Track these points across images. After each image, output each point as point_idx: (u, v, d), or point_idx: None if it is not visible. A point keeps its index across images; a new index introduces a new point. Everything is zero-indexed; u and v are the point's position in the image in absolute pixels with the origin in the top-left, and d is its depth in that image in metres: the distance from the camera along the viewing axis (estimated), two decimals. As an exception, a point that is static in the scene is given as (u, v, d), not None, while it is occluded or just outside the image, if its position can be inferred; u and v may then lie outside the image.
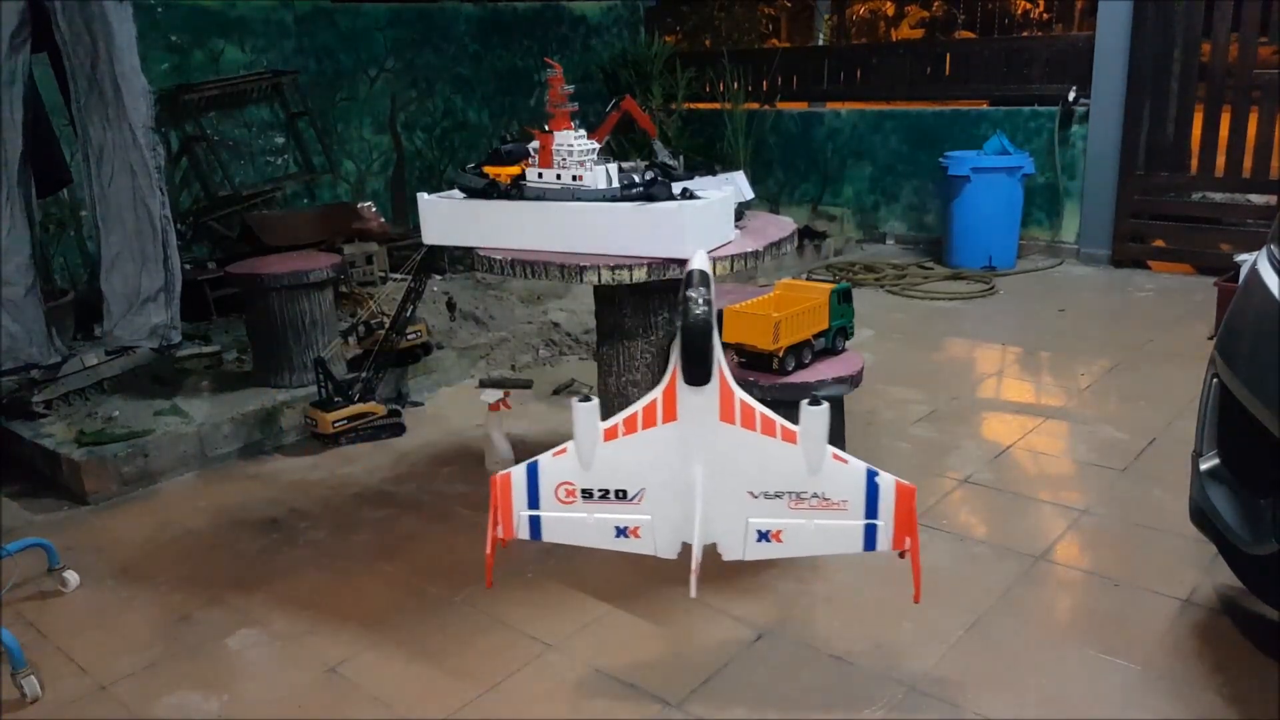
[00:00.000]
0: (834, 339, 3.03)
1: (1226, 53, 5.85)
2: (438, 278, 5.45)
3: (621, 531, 2.08)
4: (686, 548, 2.05)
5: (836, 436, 2.98)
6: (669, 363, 1.97)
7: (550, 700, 2.30)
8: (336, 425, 3.84)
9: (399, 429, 4.01)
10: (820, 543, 2.04)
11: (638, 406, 2.02)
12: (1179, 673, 2.29)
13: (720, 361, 1.96)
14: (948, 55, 7.40)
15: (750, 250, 2.89)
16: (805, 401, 1.96)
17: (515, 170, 3.00)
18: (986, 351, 4.88)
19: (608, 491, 2.05)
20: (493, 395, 3.58)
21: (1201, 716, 2.15)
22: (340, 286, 4.92)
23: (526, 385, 4.50)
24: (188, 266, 4.78)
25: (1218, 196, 6.08)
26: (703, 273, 1.96)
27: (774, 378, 2.83)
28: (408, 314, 3.94)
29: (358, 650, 2.52)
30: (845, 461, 1.98)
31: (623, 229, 2.81)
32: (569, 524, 2.09)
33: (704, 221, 2.81)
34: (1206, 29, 5.86)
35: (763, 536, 2.04)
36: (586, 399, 2.03)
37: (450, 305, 5.00)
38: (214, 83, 5.54)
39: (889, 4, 14.40)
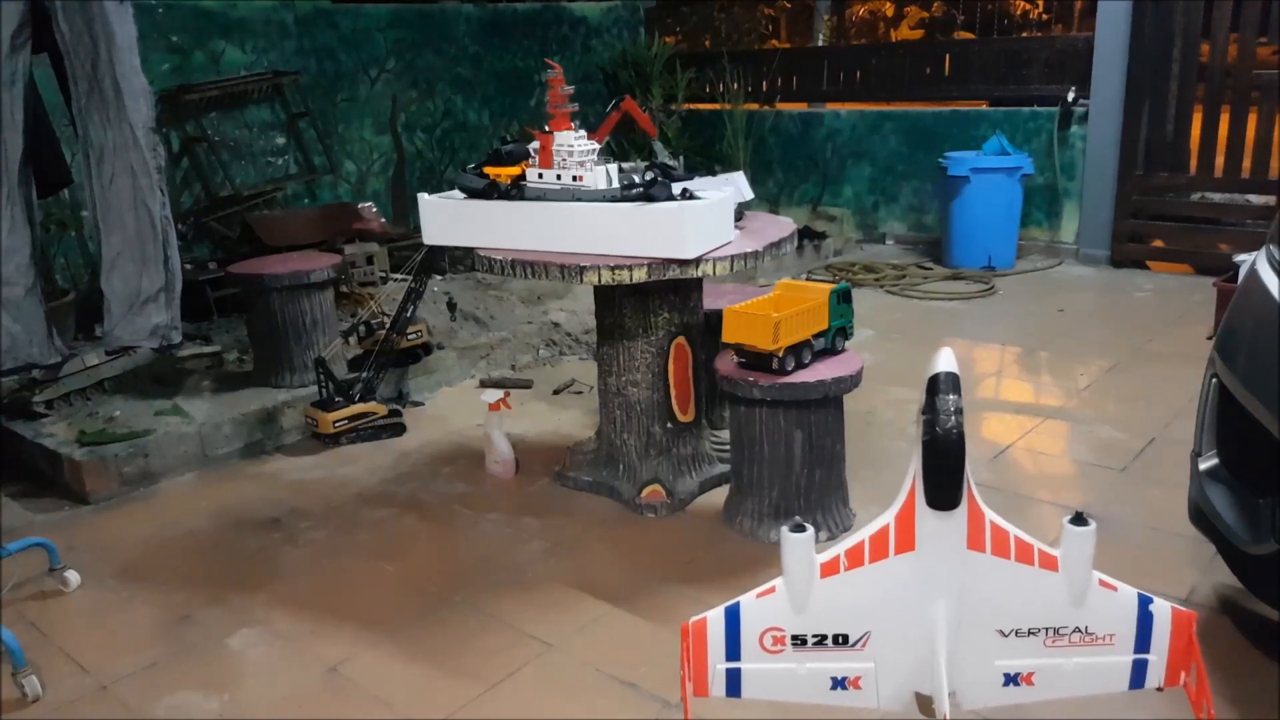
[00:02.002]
0: (834, 339, 3.03)
1: (1225, 53, 5.85)
2: (438, 278, 5.45)
3: (839, 683, 1.77)
4: (915, 698, 1.78)
5: (835, 435, 2.99)
6: (903, 484, 1.68)
7: (550, 700, 2.30)
8: (337, 425, 3.85)
9: (399, 429, 4.01)
10: (1078, 684, 1.78)
11: (864, 534, 1.72)
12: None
13: (970, 480, 1.67)
14: (947, 56, 7.41)
15: (750, 250, 2.90)
16: (1067, 520, 1.71)
17: (515, 171, 3.01)
18: (986, 351, 4.89)
19: (824, 637, 1.74)
20: (493, 395, 3.59)
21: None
22: (341, 287, 4.93)
23: (527, 385, 4.50)
24: (188, 267, 4.78)
25: (1217, 197, 6.08)
26: (952, 375, 1.63)
27: (773, 378, 2.83)
28: (408, 314, 3.94)
29: (358, 650, 2.52)
30: (1114, 589, 1.75)
31: (623, 229, 2.81)
32: (775, 676, 1.77)
33: (704, 222, 2.81)
34: (1206, 29, 5.86)
35: (1011, 680, 1.77)
36: (800, 528, 1.70)
37: (451, 305, 5.00)
38: (215, 83, 5.54)
39: (888, 5, 14.40)
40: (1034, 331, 5.12)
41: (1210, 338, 3.54)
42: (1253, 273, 2.29)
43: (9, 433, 3.77)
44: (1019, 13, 12.21)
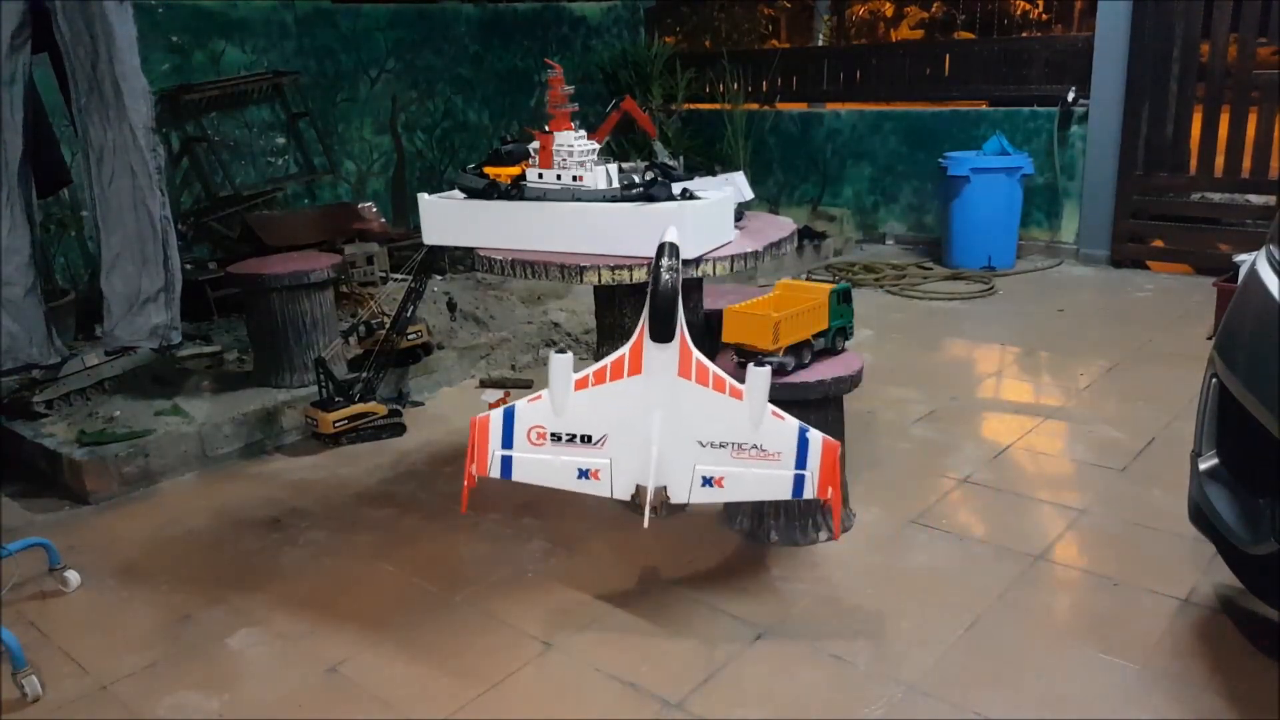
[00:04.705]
0: (834, 339, 3.03)
1: (1225, 53, 5.85)
2: (438, 278, 5.45)
3: (584, 473, 2.27)
4: (640, 491, 2.26)
5: (835, 435, 2.99)
6: (638, 326, 2.20)
7: (550, 700, 2.30)
8: (337, 425, 3.85)
9: (400, 429, 4.01)
10: (756, 489, 2.28)
11: (607, 360, 2.23)
12: (1178, 672, 2.30)
13: (682, 324, 2.18)
14: (947, 56, 7.40)
15: (750, 250, 2.89)
16: (752, 364, 2.23)
17: (515, 171, 3.01)
18: (986, 351, 4.89)
19: (575, 436, 2.25)
20: (493, 395, 3.59)
21: (1201, 716, 2.16)
22: (341, 287, 4.93)
23: (527, 385, 4.50)
24: (188, 267, 4.78)
25: (1217, 197, 6.08)
26: (673, 245, 2.23)
27: (773, 378, 2.83)
28: (408, 314, 3.94)
29: (358, 650, 2.52)
30: (783, 419, 2.23)
31: (623, 229, 2.81)
32: (537, 464, 2.28)
33: (704, 222, 2.81)
34: (1205, 29, 5.86)
35: (707, 482, 2.26)
36: (563, 351, 2.28)
37: (451, 305, 5.00)
38: (215, 83, 5.54)
39: (888, 5, 14.40)
40: (1034, 331, 5.12)
41: (1210, 338, 3.54)
42: (1253, 273, 2.29)
43: (9, 433, 3.77)
44: (1019, 13, 12.20)
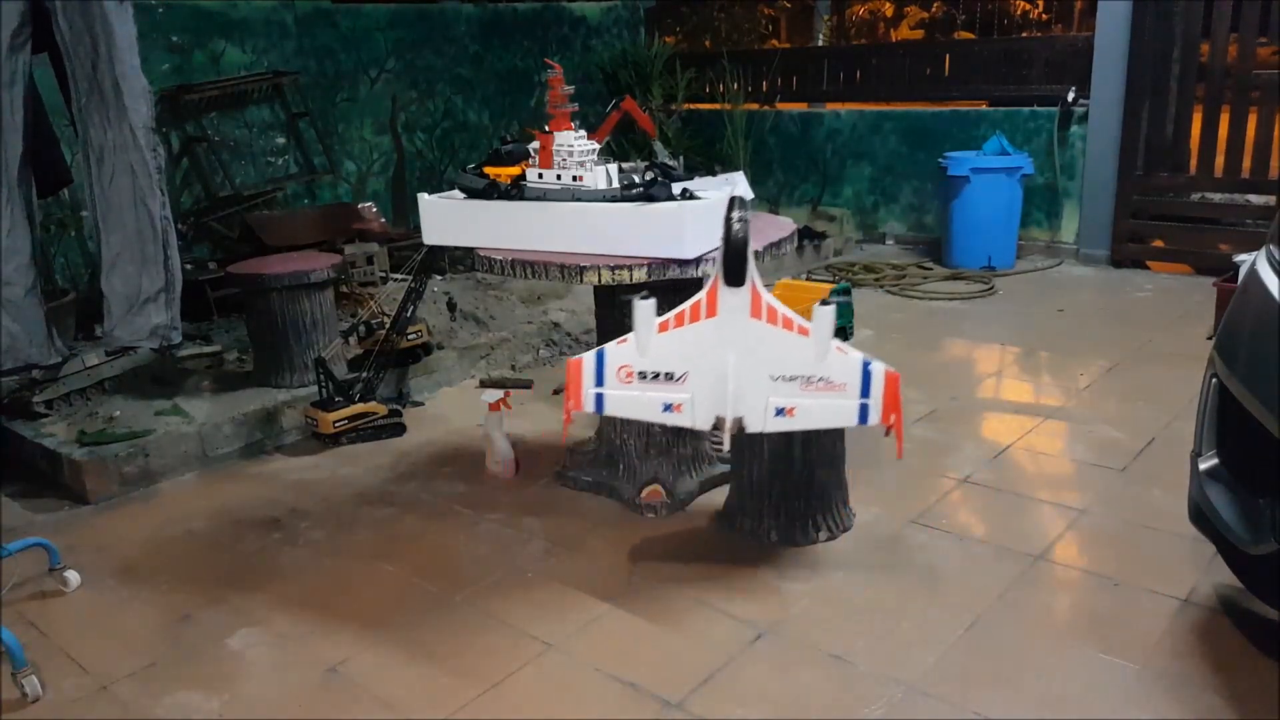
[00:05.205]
0: (833, 339, 3.04)
1: (1225, 53, 5.85)
2: (438, 278, 5.46)
3: (668, 407, 2.47)
4: (719, 421, 2.46)
5: (835, 435, 2.99)
6: (712, 274, 2.40)
7: (550, 700, 2.30)
8: (337, 425, 3.85)
9: (399, 429, 4.01)
10: (824, 418, 2.46)
11: (685, 305, 2.43)
12: (1178, 672, 2.30)
13: (753, 269, 2.37)
14: (947, 56, 7.39)
15: (750, 250, 2.89)
16: (818, 304, 2.40)
17: (515, 171, 3.01)
18: (986, 351, 4.89)
19: (659, 374, 2.45)
20: (493, 395, 3.59)
21: (1201, 716, 2.16)
22: (341, 287, 4.93)
23: (526, 385, 4.50)
24: (188, 267, 4.78)
25: (1217, 197, 6.08)
26: (742, 199, 2.36)
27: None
28: (408, 314, 3.94)
29: (358, 650, 2.52)
30: (845, 353, 2.40)
31: (623, 229, 2.82)
32: (626, 400, 2.48)
33: (704, 222, 2.81)
34: (1206, 29, 5.86)
35: (780, 412, 2.43)
36: (647, 297, 2.44)
37: (451, 305, 5.00)
38: (215, 83, 5.54)
39: (888, 5, 14.40)
40: (1034, 331, 5.12)
41: (1210, 338, 3.54)
42: (1253, 273, 2.29)
43: (9, 433, 3.77)
44: (1019, 13, 12.20)
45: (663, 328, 2.43)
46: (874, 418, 2.41)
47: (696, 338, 2.42)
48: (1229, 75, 5.89)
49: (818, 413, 2.44)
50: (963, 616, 2.54)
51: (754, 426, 2.46)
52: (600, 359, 2.46)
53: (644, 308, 2.42)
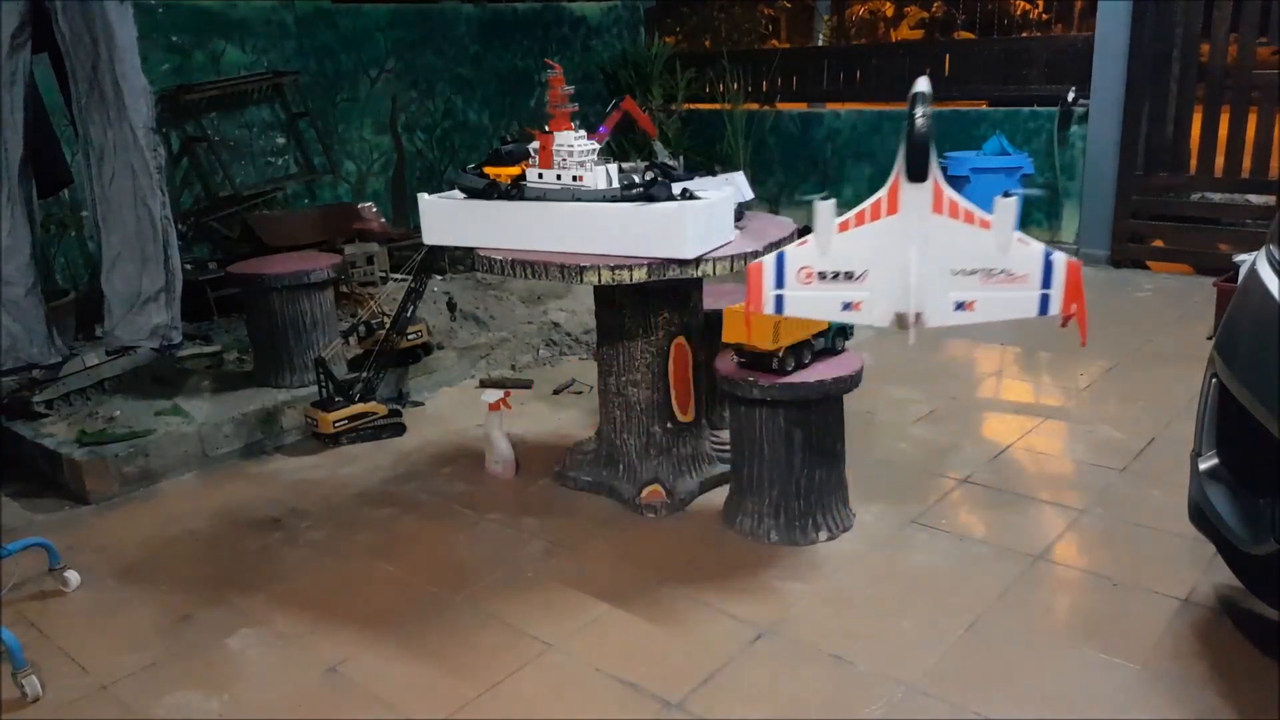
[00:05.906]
0: (834, 339, 3.04)
1: (1225, 53, 5.85)
2: (438, 278, 5.46)
3: (847, 305, 2.48)
4: (899, 317, 2.48)
5: (835, 435, 2.99)
6: (893, 169, 2.37)
7: (550, 700, 2.30)
8: (337, 425, 3.85)
9: (399, 429, 4.01)
10: (1004, 310, 2.45)
11: (866, 204, 2.42)
12: (1178, 673, 2.30)
13: (934, 164, 2.36)
14: (947, 56, 7.40)
15: (750, 250, 2.90)
16: (999, 195, 2.41)
17: (515, 171, 3.01)
18: (986, 351, 4.89)
19: (839, 273, 2.45)
20: (493, 395, 3.59)
21: (1201, 716, 2.16)
22: (341, 287, 4.93)
23: (527, 385, 4.50)
24: (189, 267, 4.78)
25: (1216, 197, 6.08)
26: (924, 94, 2.34)
27: (773, 378, 2.83)
28: (408, 314, 3.94)
29: (358, 650, 2.52)
30: (1027, 244, 2.38)
31: (623, 229, 2.82)
32: (806, 300, 2.49)
33: (704, 222, 2.81)
34: (1205, 29, 5.86)
35: (960, 306, 2.46)
36: (827, 198, 2.47)
37: (451, 305, 5.00)
38: (215, 83, 5.54)
39: (888, 5, 14.40)
40: (1034, 331, 5.10)
41: (1210, 338, 3.54)
42: (1253, 273, 2.29)
43: (9, 433, 3.77)
44: (1019, 13, 12.20)
45: (843, 227, 2.42)
46: (1054, 308, 2.42)
47: (877, 235, 2.41)
48: (1229, 75, 5.88)
49: (999, 305, 2.44)
50: (963, 616, 2.55)
51: (933, 321, 2.48)
52: (780, 261, 2.46)
53: (824, 208, 2.42)
